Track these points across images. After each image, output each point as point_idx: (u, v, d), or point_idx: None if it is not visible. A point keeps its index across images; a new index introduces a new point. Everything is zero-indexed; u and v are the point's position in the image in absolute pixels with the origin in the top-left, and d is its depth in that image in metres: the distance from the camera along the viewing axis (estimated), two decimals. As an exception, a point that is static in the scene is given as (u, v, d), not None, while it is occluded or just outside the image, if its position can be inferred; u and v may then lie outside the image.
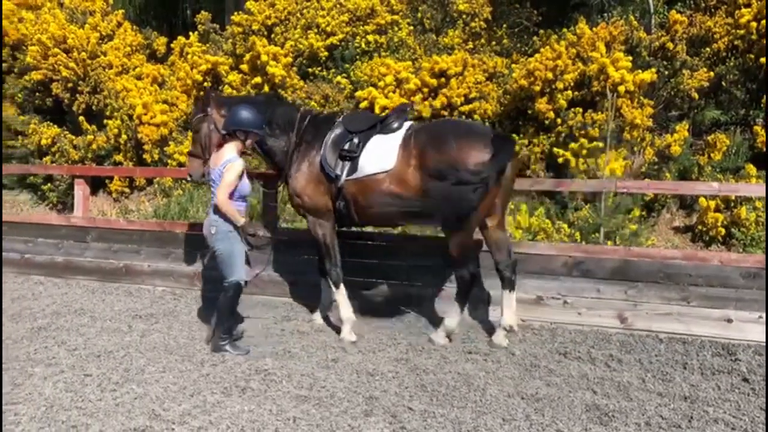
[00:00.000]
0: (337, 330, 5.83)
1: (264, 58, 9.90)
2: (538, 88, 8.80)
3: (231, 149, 5.24)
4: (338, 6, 11.02)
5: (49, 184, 10.66)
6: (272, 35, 11.33)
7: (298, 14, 11.31)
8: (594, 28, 9.52)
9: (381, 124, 5.62)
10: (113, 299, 6.78)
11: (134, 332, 5.72)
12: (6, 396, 4.20)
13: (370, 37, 10.60)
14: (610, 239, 7.49)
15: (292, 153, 5.76)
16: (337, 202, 5.59)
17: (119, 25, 12.50)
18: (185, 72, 10.68)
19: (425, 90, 9.34)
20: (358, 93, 9.60)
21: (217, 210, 5.17)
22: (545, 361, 5.16)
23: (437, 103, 9.21)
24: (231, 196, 5.15)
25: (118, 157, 10.46)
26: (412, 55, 10.50)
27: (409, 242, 6.57)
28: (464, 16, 10.95)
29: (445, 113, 9.31)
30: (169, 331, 5.77)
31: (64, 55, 10.86)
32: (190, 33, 12.54)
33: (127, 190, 10.62)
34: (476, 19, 10.93)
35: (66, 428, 3.77)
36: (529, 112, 9.09)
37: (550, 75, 8.74)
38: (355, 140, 5.50)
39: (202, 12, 13.48)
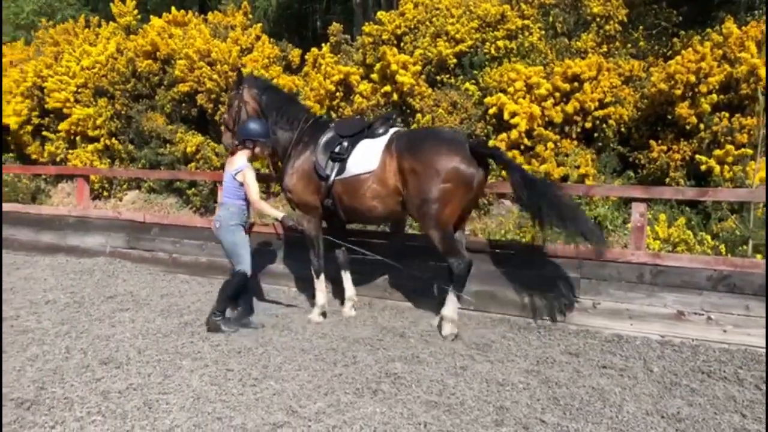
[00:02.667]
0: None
1: (394, 67, 10.05)
2: (679, 92, 8.35)
3: (242, 156, 6.02)
4: (467, 13, 10.98)
5: (193, 189, 11.36)
6: (401, 44, 11.48)
7: (428, 23, 11.38)
8: (743, 27, 8.92)
9: (368, 130, 6.14)
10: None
11: (270, 331, 5.98)
12: (158, 386, 4.52)
13: (500, 43, 10.49)
14: (760, 253, 6.96)
15: (290, 151, 6.37)
16: (326, 200, 6.11)
17: (258, 38, 13.12)
18: (318, 82, 11.03)
19: (557, 95, 9.12)
20: (487, 99, 9.52)
21: (221, 208, 5.99)
22: (687, 379, 4.89)
23: (569, 108, 8.97)
24: (236, 196, 5.93)
25: (256, 164, 10.93)
26: (543, 60, 10.29)
27: (536, 252, 6.43)
28: (598, 19, 10.58)
29: (578, 118, 9.05)
30: (303, 331, 5.98)
31: (208, 67, 11.54)
32: (322, 44, 12.95)
33: (263, 195, 11.10)
34: (611, 22, 10.54)
35: (212, 419, 4.00)
36: (669, 117, 8.65)
37: (692, 78, 8.27)
38: (345, 143, 6.05)
39: (334, 24, 13.89)
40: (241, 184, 5.91)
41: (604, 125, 9.05)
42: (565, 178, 8.74)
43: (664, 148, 8.57)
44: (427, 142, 5.76)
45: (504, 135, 9.16)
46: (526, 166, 8.88)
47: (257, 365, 4.99)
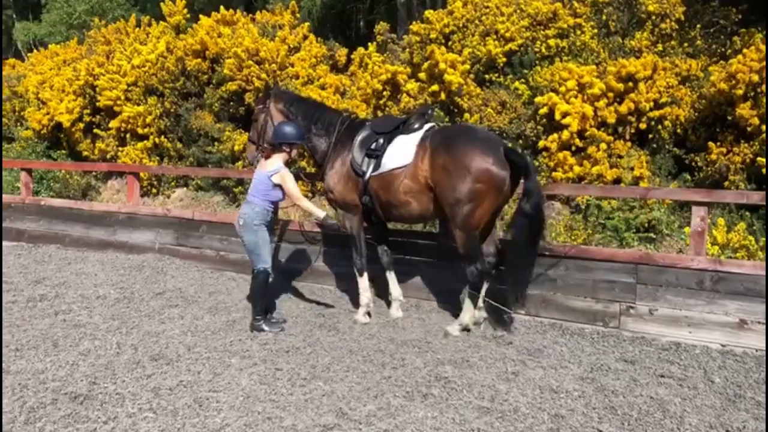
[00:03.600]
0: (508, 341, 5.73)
1: (442, 66, 9.93)
2: (740, 92, 8.04)
3: (277, 160, 5.99)
4: (518, 11, 10.80)
5: (240, 187, 11.43)
6: (449, 43, 11.36)
7: (477, 21, 11.23)
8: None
9: (403, 125, 6.15)
10: (297, 298, 7.09)
11: (318, 330, 5.94)
12: (208, 384, 4.51)
13: (551, 42, 10.27)
14: (827, 260, 6.66)
15: (330, 153, 6.40)
16: (363, 197, 6.13)
17: (305, 37, 13.15)
18: (365, 81, 10.99)
19: (610, 95, 8.87)
20: (538, 99, 9.33)
21: (246, 206, 5.96)
22: (751, 391, 4.68)
23: (623, 109, 8.72)
24: (265, 196, 5.92)
25: (302, 163, 10.96)
26: (596, 59, 10.05)
27: (590, 255, 6.24)
28: (653, 17, 10.28)
29: (632, 119, 8.80)
30: (350, 332, 5.92)
31: (257, 66, 11.60)
32: (368, 44, 12.91)
33: (310, 194, 11.11)
34: (667, 20, 10.22)
35: (262, 419, 3.96)
36: (729, 118, 8.34)
37: (755, 77, 7.96)
38: (380, 140, 6.08)
39: (381, 23, 13.84)
40: (275, 186, 5.88)
41: (660, 126, 8.78)
42: (618, 180, 8.51)
43: (724, 150, 8.27)
44: (461, 139, 5.71)
45: (555, 135, 8.96)
46: (577, 168, 8.71)
47: (305, 365, 4.95)
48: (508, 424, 4.03)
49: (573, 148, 8.89)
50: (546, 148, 9.09)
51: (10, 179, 13.18)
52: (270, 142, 6.26)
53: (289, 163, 6.21)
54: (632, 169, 8.45)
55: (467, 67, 10.33)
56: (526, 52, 10.45)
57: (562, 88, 9.15)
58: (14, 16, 31.48)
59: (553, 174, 8.88)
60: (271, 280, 6.04)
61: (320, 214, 6.01)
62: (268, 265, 5.97)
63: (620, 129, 8.91)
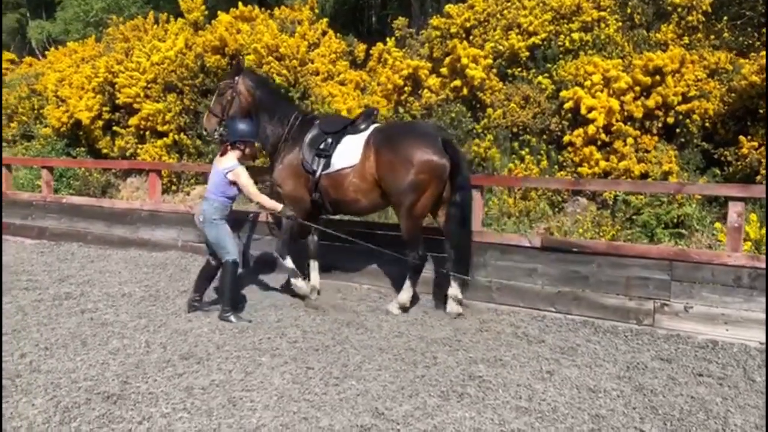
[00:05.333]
0: (534, 339, 5.62)
1: (464, 60, 9.83)
2: (772, 85, 7.90)
3: (232, 157, 6.07)
4: (541, 4, 10.66)
5: (259, 184, 11.32)
6: (471, 37, 11.24)
7: (498, 15, 11.11)
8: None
9: (351, 126, 6.43)
10: (325, 295, 7.01)
11: (345, 328, 5.85)
12: (240, 383, 4.44)
13: (575, 35, 10.13)
14: None
15: (280, 148, 6.60)
16: (314, 194, 6.39)
17: (324, 33, 13.09)
18: (386, 77, 10.90)
19: (637, 89, 8.74)
20: (563, 93, 9.21)
21: (204, 202, 6.10)
22: (794, 391, 4.56)
23: (650, 103, 8.58)
24: (222, 193, 6.02)
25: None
26: (620, 53, 9.89)
27: (622, 252, 6.12)
28: (679, 10, 10.11)
29: (659, 113, 8.65)
30: (379, 330, 5.83)
31: (277, 62, 11.54)
32: (387, 38, 12.81)
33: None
34: (693, 12, 10.05)
35: (298, 419, 3.88)
36: (760, 111, 8.17)
37: (788, 69, 7.82)
38: (329, 140, 6.34)
39: (399, 18, 13.74)
40: (230, 183, 5.98)
41: (688, 120, 8.63)
42: (645, 175, 8.38)
43: (755, 144, 8.11)
44: (402, 135, 6.13)
45: (580, 130, 8.84)
46: (603, 163, 8.58)
47: (337, 364, 4.87)
48: (549, 424, 3.94)
49: (599, 143, 8.77)
50: (571, 143, 8.97)
51: (30, 177, 13.22)
52: (225, 137, 6.36)
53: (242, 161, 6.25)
54: (660, 164, 8.30)
55: (490, 61, 10.23)
56: (549, 46, 10.32)
57: (588, 83, 9.02)
58: (28, 14, 31.58)
59: (579, 169, 8.76)
60: (240, 271, 6.29)
61: (278, 207, 6.19)
62: (235, 255, 6.09)
63: (647, 123, 8.77)
